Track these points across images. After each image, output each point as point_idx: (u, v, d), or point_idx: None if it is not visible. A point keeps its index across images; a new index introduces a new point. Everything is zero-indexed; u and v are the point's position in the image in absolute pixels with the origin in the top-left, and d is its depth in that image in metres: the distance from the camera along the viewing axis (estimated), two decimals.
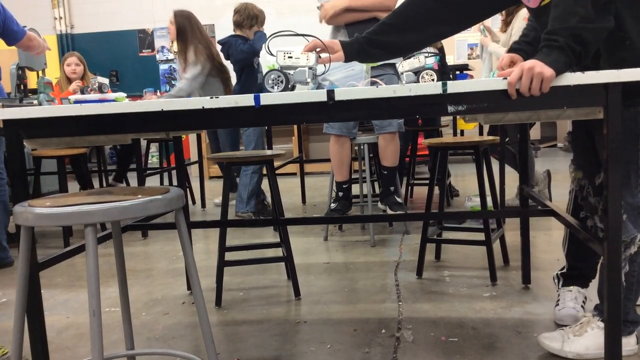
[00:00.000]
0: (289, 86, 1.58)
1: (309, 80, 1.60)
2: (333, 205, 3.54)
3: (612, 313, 1.49)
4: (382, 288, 2.61)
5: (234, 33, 4.28)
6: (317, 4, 3.29)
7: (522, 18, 3.87)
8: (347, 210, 3.54)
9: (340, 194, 3.54)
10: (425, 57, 1.86)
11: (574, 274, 2.11)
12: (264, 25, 4.33)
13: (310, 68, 1.60)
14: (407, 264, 2.97)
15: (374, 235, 3.52)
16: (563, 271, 2.15)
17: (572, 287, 2.09)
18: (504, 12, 4.04)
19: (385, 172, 3.51)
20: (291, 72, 1.60)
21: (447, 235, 3.30)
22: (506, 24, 4.05)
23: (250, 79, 4.23)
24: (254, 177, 4.19)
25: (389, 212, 3.51)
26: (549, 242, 3.20)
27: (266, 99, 1.49)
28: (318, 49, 1.67)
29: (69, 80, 4.77)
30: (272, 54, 1.64)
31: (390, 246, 3.36)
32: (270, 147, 4.45)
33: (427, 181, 3.11)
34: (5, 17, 3.13)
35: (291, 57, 1.61)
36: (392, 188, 3.49)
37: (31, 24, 3.99)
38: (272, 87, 1.59)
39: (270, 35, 1.76)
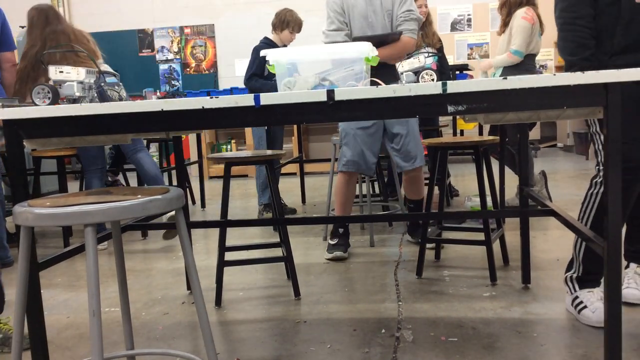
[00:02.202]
0: (56, 100, 1.65)
1: (78, 94, 1.70)
2: (333, 242, 3.16)
3: (612, 313, 1.49)
4: (382, 288, 2.61)
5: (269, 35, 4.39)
6: (323, 29, 2.94)
7: (520, 17, 3.88)
8: (347, 247, 3.20)
9: (341, 230, 3.19)
10: (425, 57, 1.85)
11: (591, 278, 2.11)
12: (300, 31, 4.44)
13: (80, 82, 1.70)
14: (407, 264, 2.97)
15: (374, 235, 3.52)
16: (577, 275, 2.14)
17: (593, 289, 2.11)
18: (503, 12, 4.04)
19: (413, 206, 3.29)
20: (59, 86, 1.68)
21: (447, 235, 3.30)
22: (505, 24, 4.05)
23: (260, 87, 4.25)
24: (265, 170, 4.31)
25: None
26: (549, 242, 3.20)
27: (266, 99, 1.49)
28: None
29: None
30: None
31: (390, 246, 3.36)
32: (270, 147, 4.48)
33: (427, 181, 3.11)
34: (4, 21, 3.16)
35: (62, 72, 1.70)
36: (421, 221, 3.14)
37: None
38: (41, 101, 1.63)
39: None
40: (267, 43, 4.28)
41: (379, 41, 2.72)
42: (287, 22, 4.31)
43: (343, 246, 3.15)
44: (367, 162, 3.04)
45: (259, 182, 4.41)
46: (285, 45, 4.39)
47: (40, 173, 4.12)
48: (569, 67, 2.00)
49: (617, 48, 1.94)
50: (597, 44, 1.96)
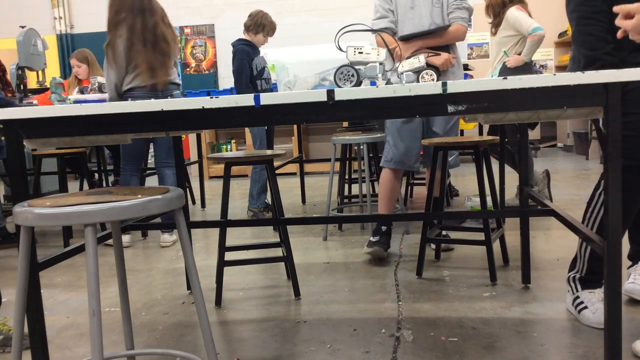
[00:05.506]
0: (359, 82, 1.56)
1: (379, 75, 1.59)
2: (374, 239, 3.01)
3: (612, 313, 1.49)
4: (382, 288, 2.61)
5: (242, 36, 4.36)
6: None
7: (514, 10, 3.95)
8: (387, 247, 3.06)
9: (384, 227, 3.05)
10: (426, 56, 1.85)
11: (594, 279, 2.11)
12: (273, 35, 4.45)
13: (380, 64, 1.58)
14: (407, 263, 2.97)
15: None
16: (580, 275, 2.14)
17: (595, 289, 2.10)
18: (489, 13, 4.16)
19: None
20: (362, 67, 1.59)
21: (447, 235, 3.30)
22: (495, 25, 4.16)
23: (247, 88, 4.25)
24: (262, 173, 4.31)
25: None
26: (549, 242, 3.20)
27: (266, 99, 1.49)
28: None
29: (77, 80, 4.79)
30: (341, 50, 1.61)
31: (390, 246, 3.36)
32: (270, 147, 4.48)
33: (427, 181, 3.11)
34: None
35: (362, 53, 1.59)
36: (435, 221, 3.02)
37: (31, 24, 4.00)
38: (344, 83, 1.56)
39: (341, 29, 1.71)
40: (247, 44, 4.27)
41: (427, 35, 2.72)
42: (262, 26, 4.30)
43: (385, 245, 3.01)
44: (410, 158, 3.04)
45: (257, 185, 4.37)
46: None
47: (41, 173, 4.12)
48: (591, 62, 1.90)
49: (634, 44, 1.87)
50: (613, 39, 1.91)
